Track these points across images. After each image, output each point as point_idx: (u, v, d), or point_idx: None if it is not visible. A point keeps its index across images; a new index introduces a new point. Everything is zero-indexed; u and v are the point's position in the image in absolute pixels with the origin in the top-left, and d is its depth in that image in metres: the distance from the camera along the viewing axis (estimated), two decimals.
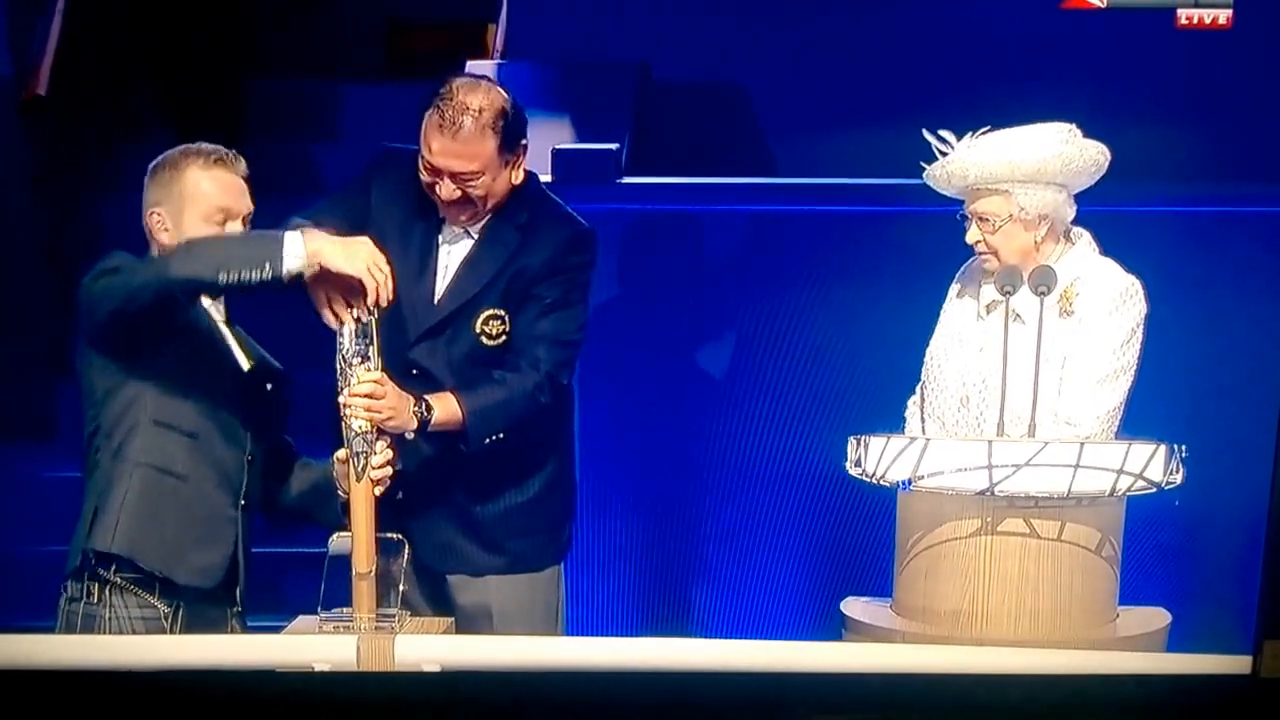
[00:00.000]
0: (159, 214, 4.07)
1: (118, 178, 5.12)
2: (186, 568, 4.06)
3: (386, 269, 3.95)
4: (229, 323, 4.16)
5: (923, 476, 4.11)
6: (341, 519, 4.13)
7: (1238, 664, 4.20)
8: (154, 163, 4.11)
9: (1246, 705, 4.19)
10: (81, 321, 4.02)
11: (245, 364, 4.12)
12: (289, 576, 4.54)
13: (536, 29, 5.68)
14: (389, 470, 4.04)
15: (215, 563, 4.10)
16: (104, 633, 4.04)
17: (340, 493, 4.13)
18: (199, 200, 4.05)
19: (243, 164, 4.11)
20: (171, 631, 4.07)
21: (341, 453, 4.08)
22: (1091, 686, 4.11)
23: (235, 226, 4.07)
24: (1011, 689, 4.10)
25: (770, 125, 5.53)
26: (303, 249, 3.89)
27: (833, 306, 5.12)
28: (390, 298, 3.96)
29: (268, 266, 3.87)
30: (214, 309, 4.12)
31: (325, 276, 3.93)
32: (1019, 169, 4.20)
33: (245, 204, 4.10)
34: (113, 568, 4.03)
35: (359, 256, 3.94)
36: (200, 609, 4.11)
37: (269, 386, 4.17)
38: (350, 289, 3.95)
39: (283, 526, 4.33)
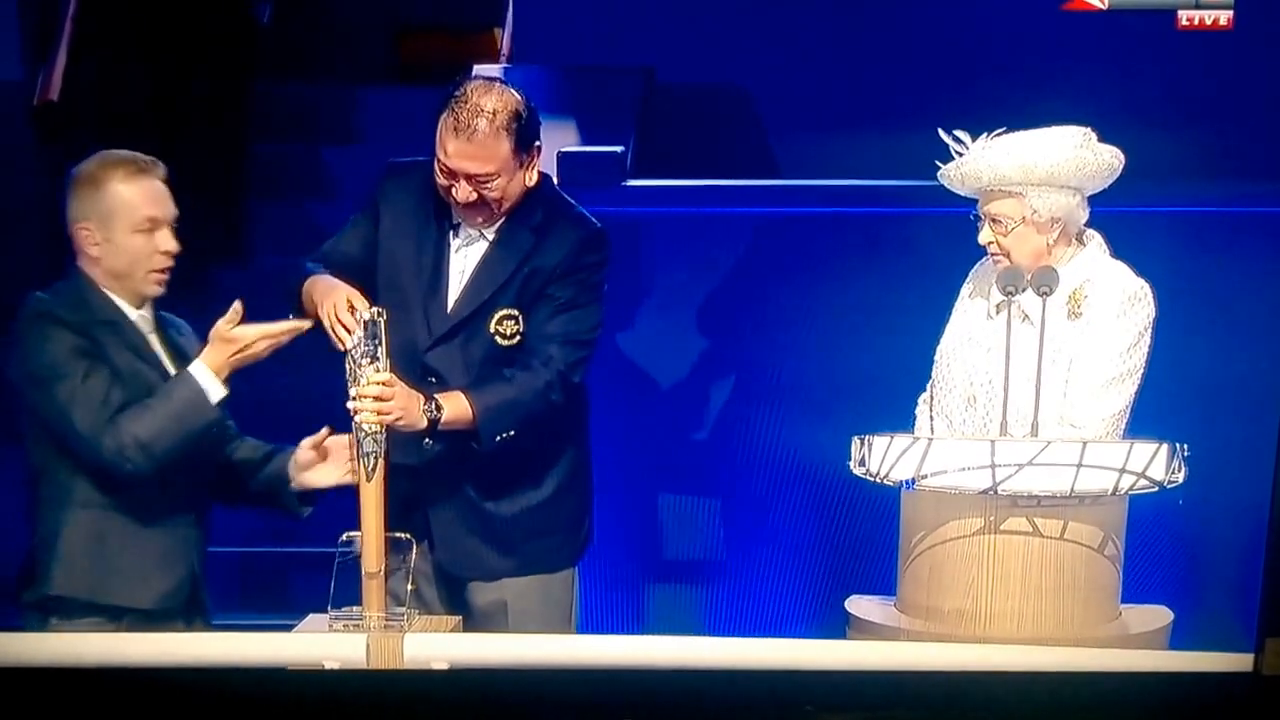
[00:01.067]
0: (87, 229, 4.08)
1: None
2: (147, 595, 4.10)
3: (278, 330, 4.04)
4: (159, 328, 4.18)
5: (926, 476, 4.11)
6: (297, 509, 4.20)
7: (1239, 661, 4.20)
8: (74, 174, 4.12)
9: (1248, 702, 4.19)
10: (9, 364, 4.08)
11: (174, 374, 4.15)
12: (298, 575, 4.56)
13: (542, 33, 5.69)
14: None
15: (174, 585, 4.13)
16: None
17: (292, 483, 4.17)
18: (126, 212, 4.07)
19: (162, 169, 4.13)
20: None
21: (306, 441, 4.12)
22: (1093, 684, 4.11)
23: (164, 234, 4.09)
24: (1014, 686, 4.10)
25: (775, 128, 5.54)
26: (212, 377, 4.03)
27: (838, 308, 5.13)
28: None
29: (204, 417, 4.02)
30: (141, 319, 4.14)
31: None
32: (1033, 173, 4.20)
33: (170, 209, 4.12)
34: (69, 605, 4.09)
35: (248, 341, 4.04)
36: (161, 625, 4.14)
37: None
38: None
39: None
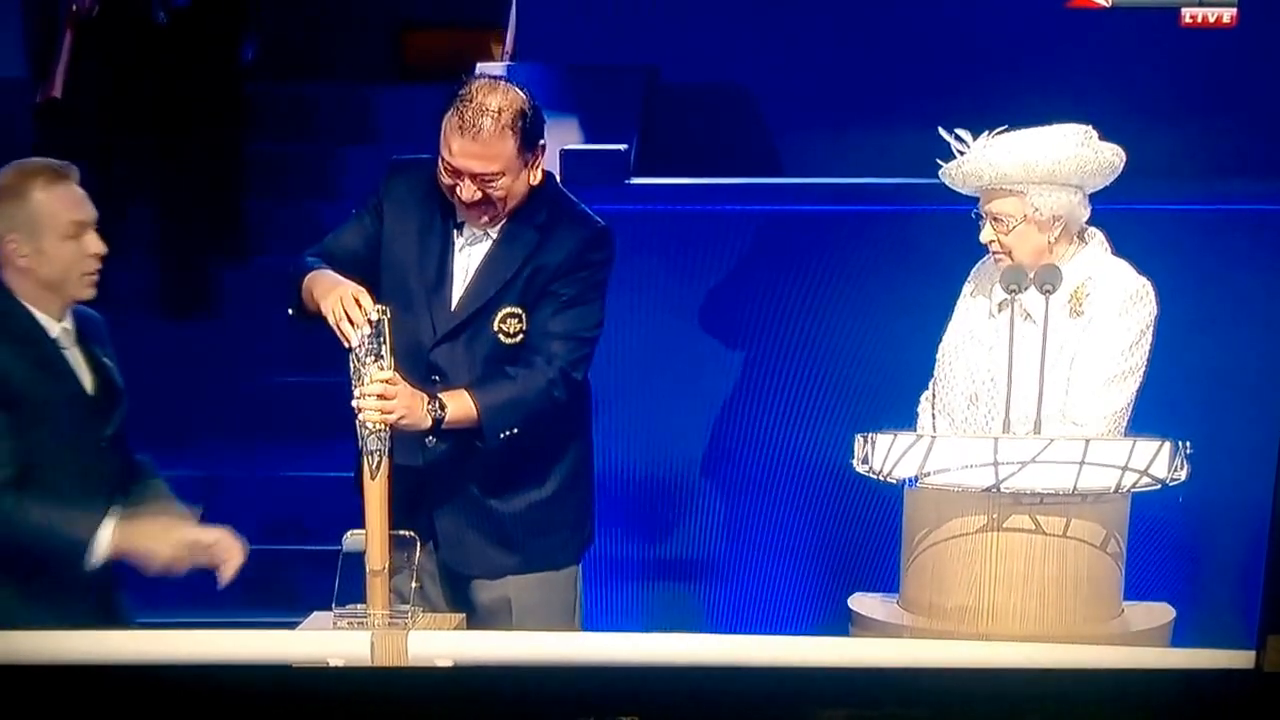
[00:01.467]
0: (14, 241, 4.05)
1: (134, 180, 5.18)
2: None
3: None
4: (80, 339, 4.16)
5: (929, 474, 4.11)
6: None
7: (1241, 659, 4.22)
8: None
9: (1249, 700, 4.20)
10: None
11: (90, 386, 4.14)
12: (303, 573, 4.57)
13: (546, 32, 5.69)
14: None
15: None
16: None
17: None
18: (52, 221, 4.06)
19: (76, 172, 4.12)
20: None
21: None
22: (1095, 681, 4.12)
23: (91, 236, 4.09)
24: (1016, 683, 4.11)
25: (777, 126, 5.55)
26: (108, 548, 4.01)
27: (841, 306, 5.13)
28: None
29: (67, 557, 4.00)
30: (63, 334, 4.12)
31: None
32: (1034, 171, 4.20)
33: (92, 211, 4.11)
34: None
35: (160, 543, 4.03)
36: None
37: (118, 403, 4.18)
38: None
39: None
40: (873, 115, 5.30)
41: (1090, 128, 4.23)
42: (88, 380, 4.13)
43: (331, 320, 4.01)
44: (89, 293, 4.13)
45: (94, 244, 4.10)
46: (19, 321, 4.08)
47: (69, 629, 4.11)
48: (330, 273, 4.11)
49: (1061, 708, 4.15)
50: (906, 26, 5.37)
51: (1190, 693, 4.19)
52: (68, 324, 4.13)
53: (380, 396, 4.00)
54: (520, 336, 4.19)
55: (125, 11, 5.35)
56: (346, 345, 4.00)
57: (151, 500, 4.19)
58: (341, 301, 4.00)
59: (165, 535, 4.05)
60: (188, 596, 4.17)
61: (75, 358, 4.13)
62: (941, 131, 4.29)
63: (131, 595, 4.22)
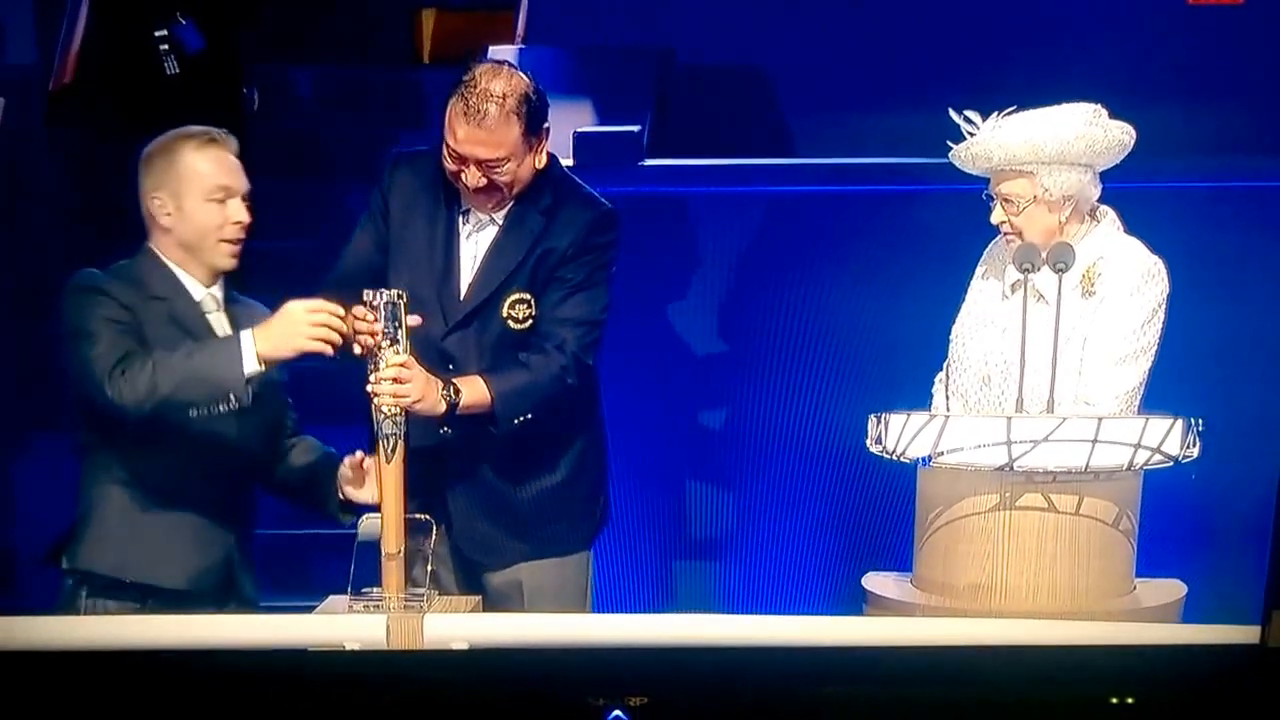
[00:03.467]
0: (159, 198, 4.12)
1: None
2: (172, 575, 4.13)
3: (326, 315, 4.00)
4: (228, 307, 4.20)
5: (942, 453, 4.13)
6: (339, 516, 4.21)
7: (1246, 634, 4.22)
8: (146, 150, 4.16)
9: (1254, 674, 4.21)
10: (63, 341, 4.09)
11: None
12: (318, 557, 4.59)
13: (559, 13, 5.69)
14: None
15: (206, 567, 4.16)
16: None
17: (340, 494, 4.19)
18: (198, 180, 4.11)
19: (234, 142, 4.17)
20: None
21: (347, 460, 4.15)
22: (1099, 657, 4.13)
23: (236, 204, 4.13)
24: (1029, 660, 4.13)
25: (790, 107, 5.54)
26: (253, 348, 3.99)
27: (855, 286, 5.13)
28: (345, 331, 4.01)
29: (225, 383, 3.98)
30: (207, 298, 4.17)
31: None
32: (1043, 151, 4.20)
33: (243, 181, 4.16)
34: (96, 583, 4.13)
35: (298, 324, 4.02)
36: (191, 608, 4.16)
37: (263, 380, 4.16)
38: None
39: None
40: (886, 96, 5.29)
41: (1100, 106, 4.23)
42: None
43: (349, 330, 4.02)
44: (229, 262, 4.16)
45: (238, 212, 4.13)
46: (161, 279, 4.14)
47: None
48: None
49: (1065, 683, 4.16)
50: (919, 7, 5.36)
51: (1195, 668, 4.19)
52: (216, 291, 4.18)
53: (396, 380, 4.00)
54: (529, 322, 4.19)
55: (136, 65, 5.31)
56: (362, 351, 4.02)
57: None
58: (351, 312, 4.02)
59: (300, 316, 4.04)
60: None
61: (219, 323, 4.18)
62: (951, 113, 4.30)
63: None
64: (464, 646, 4.12)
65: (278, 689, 4.17)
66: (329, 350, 4.01)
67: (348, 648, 4.11)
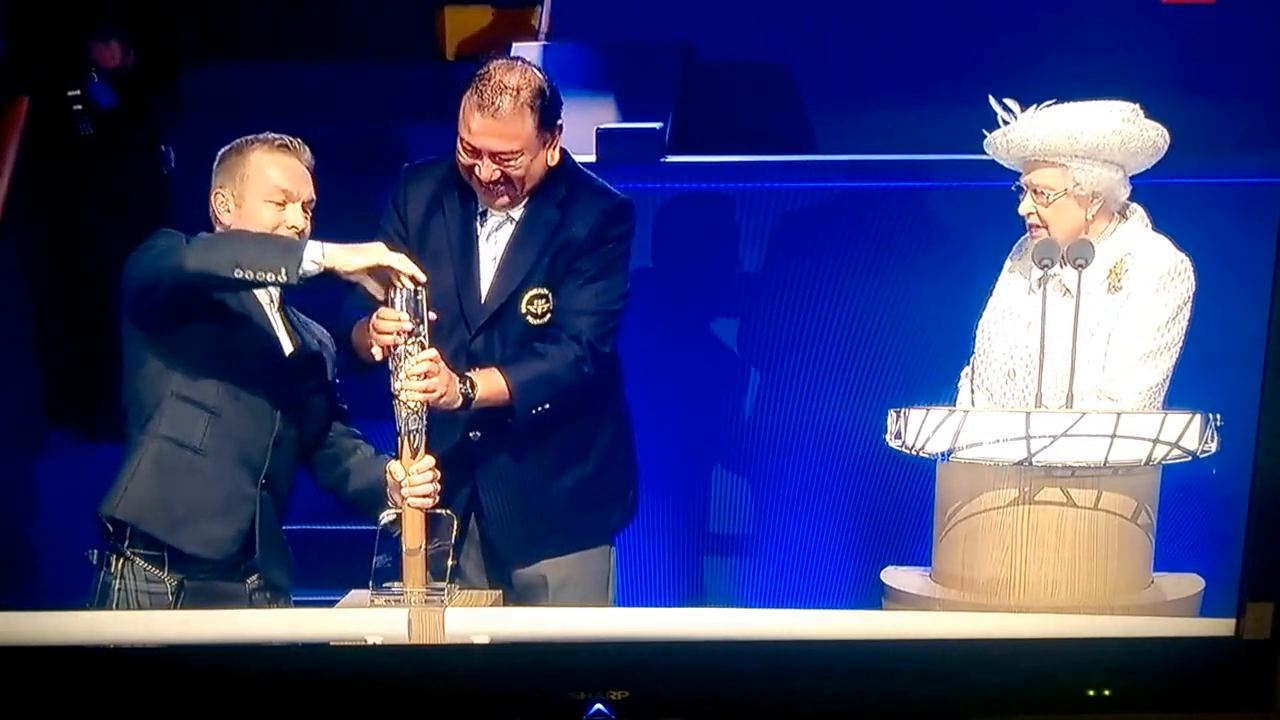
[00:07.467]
0: (222, 194, 4.18)
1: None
2: (192, 538, 4.14)
3: (403, 261, 4.00)
4: (283, 306, 4.24)
5: (961, 448, 4.15)
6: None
7: (1221, 626, 4.24)
8: (221, 150, 4.21)
9: (1230, 667, 4.22)
10: (122, 295, 4.13)
11: (288, 348, 4.21)
12: (341, 552, 4.60)
13: (581, 10, 5.70)
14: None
15: (227, 535, 4.16)
16: (115, 604, 4.14)
17: (391, 504, 4.18)
18: (260, 181, 4.15)
19: (307, 153, 4.21)
20: (176, 607, 4.15)
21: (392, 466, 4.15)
22: (1076, 650, 4.16)
23: (295, 210, 4.15)
24: (1047, 654, 4.15)
25: (814, 103, 5.53)
26: (320, 254, 3.97)
27: (876, 282, 5.13)
28: (419, 275, 4.01)
29: (283, 271, 3.95)
30: (266, 293, 4.21)
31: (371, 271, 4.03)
32: (1077, 143, 4.22)
33: (307, 190, 4.19)
34: (125, 536, 4.13)
35: (370, 252, 4.01)
36: (211, 583, 4.19)
37: (310, 372, 4.24)
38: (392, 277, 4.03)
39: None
40: (911, 92, 5.28)
41: (1138, 106, 4.24)
42: (286, 343, 4.22)
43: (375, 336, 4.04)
44: None
45: (295, 217, 4.15)
46: None
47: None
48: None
49: (1039, 674, 4.19)
50: (947, 2, 5.35)
51: (1171, 660, 4.21)
52: (273, 290, 4.21)
53: (425, 375, 4.04)
54: (548, 317, 4.23)
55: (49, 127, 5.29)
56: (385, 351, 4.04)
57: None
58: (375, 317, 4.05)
59: (378, 249, 4.04)
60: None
61: (275, 318, 4.22)
62: (991, 100, 4.31)
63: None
64: (486, 641, 4.16)
65: (299, 683, 4.21)
66: (379, 290, 4.01)
67: (369, 642, 4.14)
